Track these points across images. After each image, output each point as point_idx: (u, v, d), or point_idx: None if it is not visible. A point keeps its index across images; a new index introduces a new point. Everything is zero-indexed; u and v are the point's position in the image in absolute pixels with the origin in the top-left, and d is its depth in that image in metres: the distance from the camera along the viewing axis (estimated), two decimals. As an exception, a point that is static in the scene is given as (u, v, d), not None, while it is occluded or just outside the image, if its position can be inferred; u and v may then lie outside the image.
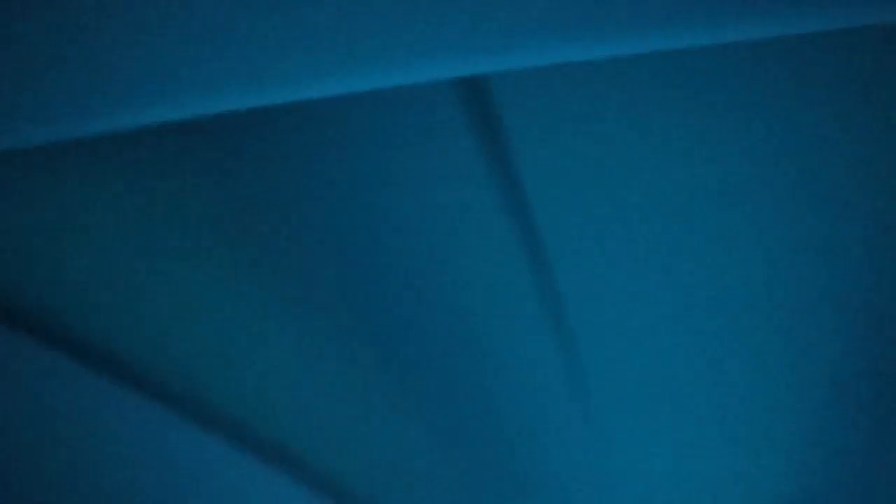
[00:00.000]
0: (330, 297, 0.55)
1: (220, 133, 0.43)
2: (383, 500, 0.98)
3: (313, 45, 0.32)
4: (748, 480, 0.81)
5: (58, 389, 0.66)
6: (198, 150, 0.45)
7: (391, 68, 0.31)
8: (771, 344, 0.58)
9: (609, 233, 0.47)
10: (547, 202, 0.45)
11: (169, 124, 0.40)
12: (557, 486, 0.87)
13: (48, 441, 0.71)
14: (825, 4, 0.30)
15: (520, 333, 0.58)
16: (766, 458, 0.77)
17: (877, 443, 0.71)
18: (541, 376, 0.64)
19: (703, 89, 0.39)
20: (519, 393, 0.67)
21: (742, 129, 0.42)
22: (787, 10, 0.30)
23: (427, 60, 0.31)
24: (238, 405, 0.75)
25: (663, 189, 0.44)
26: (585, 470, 0.83)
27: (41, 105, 0.35)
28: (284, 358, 0.65)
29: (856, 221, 0.47)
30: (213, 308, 0.59)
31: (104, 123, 0.36)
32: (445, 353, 0.61)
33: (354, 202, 0.46)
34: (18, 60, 0.34)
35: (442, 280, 0.52)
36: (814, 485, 0.79)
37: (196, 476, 0.84)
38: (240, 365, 0.67)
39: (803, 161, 0.43)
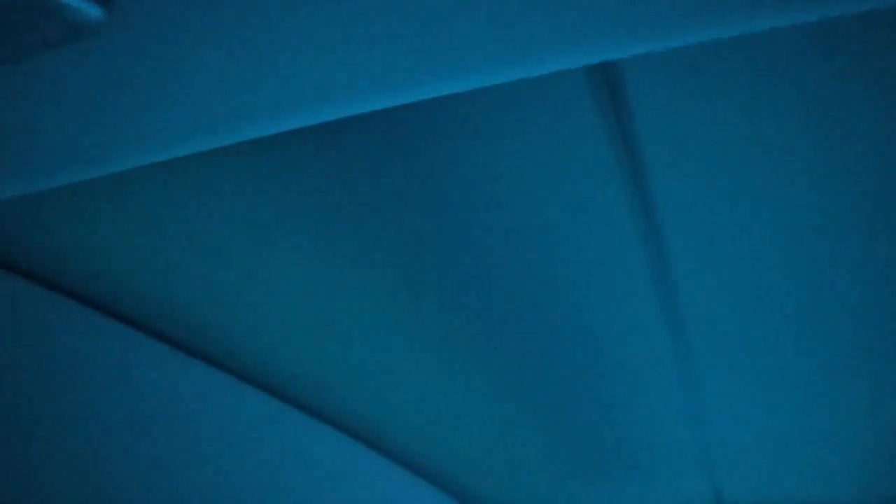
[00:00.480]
0: (450, 284, 0.55)
1: (341, 135, 0.43)
2: (493, 485, 0.99)
3: (455, 42, 0.31)
4: (849, 454, 0.81)
5: (181, 387, 0.67)
6: (322, 153, 0.44)
7: (531, 60, 0.31)
8: (875, 325, 0.58)
9: (725, 216, 0.47)
10: (666, 180, 0.44)
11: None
12: (660, 462, 0.87)
13: (170, 436, 0.72)
14: None
15: (631, 318, 0.58)
16: (857, 432, 0.77)
17: None
18: (647, 357, 0.64)
19: (820, 71, 0.38)
20: (626, 375, 0.68)
21: (854, 105, 0.40)
22: None
23: (566, 49, 0.30)
24: (361, 403, 0.76)
25: (781, 173, 0.43)
26: (687, 446, 0.83)
27: (178, 121, 0.35)
28: (403, 351, 0.65)
29: None
30: (336, 309, 0.59)
31: (238, 134, 0.35)
32: (557, 335, 0.61)
33: (480, 191, 0.45)
34: (142, 81, 0.34)
35: (559, 263, 0.52)
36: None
37: (322, 472, 0.85)
38: (361, 364, 0.67)
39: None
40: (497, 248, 0.51)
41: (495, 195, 0.46)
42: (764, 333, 0.62)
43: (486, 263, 0.52)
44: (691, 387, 0.71)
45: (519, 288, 0.55)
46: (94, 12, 0.32)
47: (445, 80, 0.34)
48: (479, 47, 0.32)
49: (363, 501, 0.99)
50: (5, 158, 0.40)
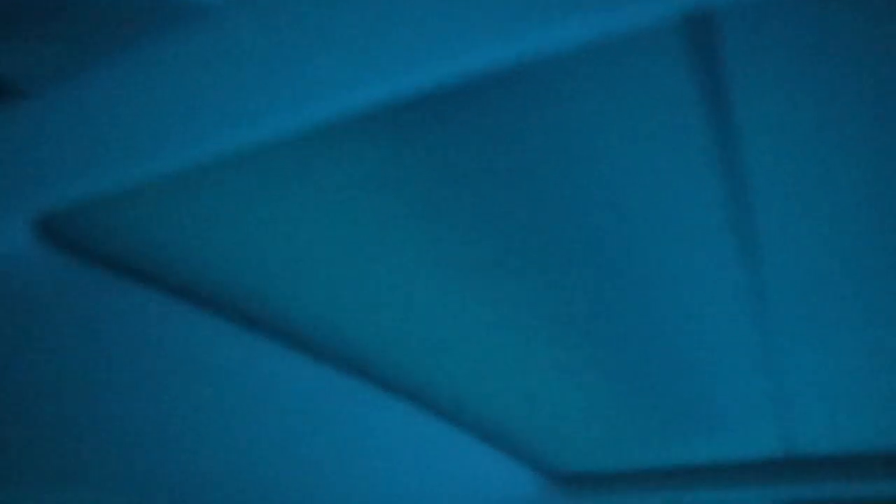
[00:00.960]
0: (531, 247, 0.55)
1: (430, 110, 0.43)
2: (567, 451, 1.00)
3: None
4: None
5: (269, 370, 0.68)
6: (409, 131, 0.45)
7: (622, 9, 0.30)
8: None
9: (811, 171, 0.46)
10: (756, 139, 0.44)
11: (385, 107, 0.41)
12: (733, 413, 0.88)
13: (260, 418, 0.74)
14: None
15: (711, 272, 0.58)
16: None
17: None
18: (724, 309, 0.64)
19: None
20: (703, 328, 0.68)
21: None
22: None
23: None
24: (439, 376, 0.77)
25: (875, 128, 0.43)
26: (761, 396, 0.83)
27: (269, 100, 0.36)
28: (480, 319, 0.66)
29: None
30: (419, 283, 0.60)
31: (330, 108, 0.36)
32: (637, 294, 0.61)
33: (569, 152, 0.45)
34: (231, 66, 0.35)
35: (640, 220, 0.52)
36: None
37: (399, 446, 0.87)
38: (439, 334, 0.68)
39: None
40: (579, 208, 0.51)
41: (583, 155, 0.46)
42: (841, 284, 0.61)
43: (566, 222, 0.53)
44: (767, 337, 0.71)
45: (599, 246, 0.55)
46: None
47: (536, 35, 0.34)
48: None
49: (441, 474, 1.01)
50: (116, 148, 0.41)
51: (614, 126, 0.44)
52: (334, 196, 0.50)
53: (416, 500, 1.11)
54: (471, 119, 0.44)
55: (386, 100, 0.37)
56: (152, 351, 0.63)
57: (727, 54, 0.38)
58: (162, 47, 0.36)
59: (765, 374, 0.79)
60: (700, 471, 1.08)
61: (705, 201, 0.50)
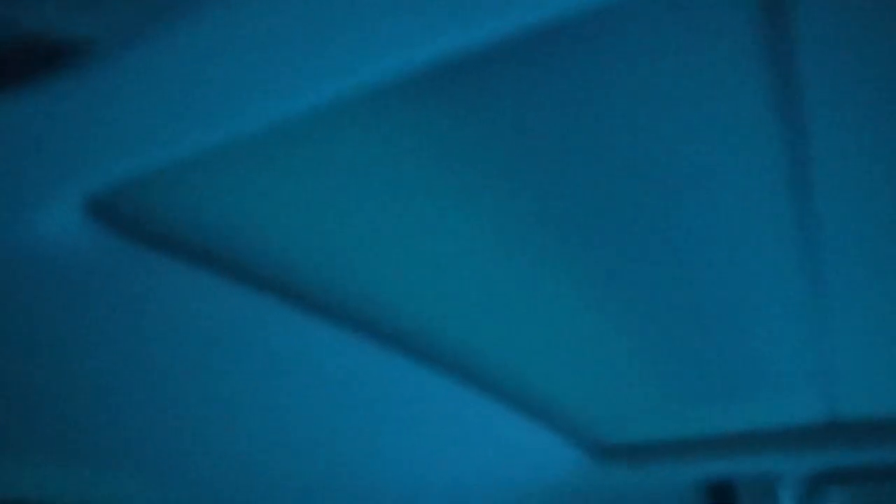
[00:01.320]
0: (577, 210, 0.55)
1: (482, 71, 0.42)
2: (607, 423, 1.00)
3: None
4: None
5: (297, 341, 0.68)
6: (456, 93, 0.44)
7: None
8: None
9: (875, 135, 0.45)
10: (818, 95, 0.43)
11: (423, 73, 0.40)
12: (778, 379, 0.87)
13: (307, 399, 0.75)
14: None
15: (763, 234, 0.57)
16: None
17: None
18: (774, 274, 0.63)
19: None
20: (753, 294, 0.67)
21: None
22: None
23: None
24: (477, 346, 0.77)
25: None
26: (806, 362, 0.82)
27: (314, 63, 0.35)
28: (520, 287, 0.65)
29: None
30: (463, 251, 0.59)
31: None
32: (685, 256, 0.61)
33: (622, 108, 0.45)
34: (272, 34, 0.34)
35: (691, 182, 0.51)
36: None
37: (436, 418, 0.88)
38: (479, 304, 0.68)
39: None
40: (626, 167, 0.50)
41: (635, 112, 0.46)
42: (894, 248, 0.60)
43: (611, 182, 0.52)
44: (813, 300, 0.70)
45: (645, 207, 0.55)
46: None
47: None
48: None
49: (480, 447, 1.01)
50: (168, 122, 0.41)
51: (673, 81, 0.43)
52: (387, 167, 0.50)
53: (456, 472, 1.12)
54: (525, 77, 0.43)
55: (435, 61, 0.37)
56: (204, 331, 0.63)
57: (790, 3, 0.37)
58: (213, 14, 0.36)
59: (809, 338, 0.78)
60: (742, 438, 1.07)
61: (761, 160, 0.49)
